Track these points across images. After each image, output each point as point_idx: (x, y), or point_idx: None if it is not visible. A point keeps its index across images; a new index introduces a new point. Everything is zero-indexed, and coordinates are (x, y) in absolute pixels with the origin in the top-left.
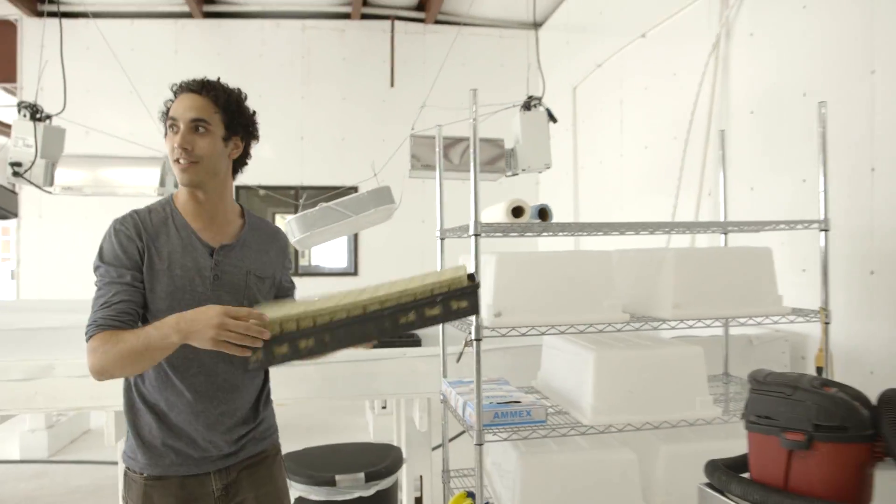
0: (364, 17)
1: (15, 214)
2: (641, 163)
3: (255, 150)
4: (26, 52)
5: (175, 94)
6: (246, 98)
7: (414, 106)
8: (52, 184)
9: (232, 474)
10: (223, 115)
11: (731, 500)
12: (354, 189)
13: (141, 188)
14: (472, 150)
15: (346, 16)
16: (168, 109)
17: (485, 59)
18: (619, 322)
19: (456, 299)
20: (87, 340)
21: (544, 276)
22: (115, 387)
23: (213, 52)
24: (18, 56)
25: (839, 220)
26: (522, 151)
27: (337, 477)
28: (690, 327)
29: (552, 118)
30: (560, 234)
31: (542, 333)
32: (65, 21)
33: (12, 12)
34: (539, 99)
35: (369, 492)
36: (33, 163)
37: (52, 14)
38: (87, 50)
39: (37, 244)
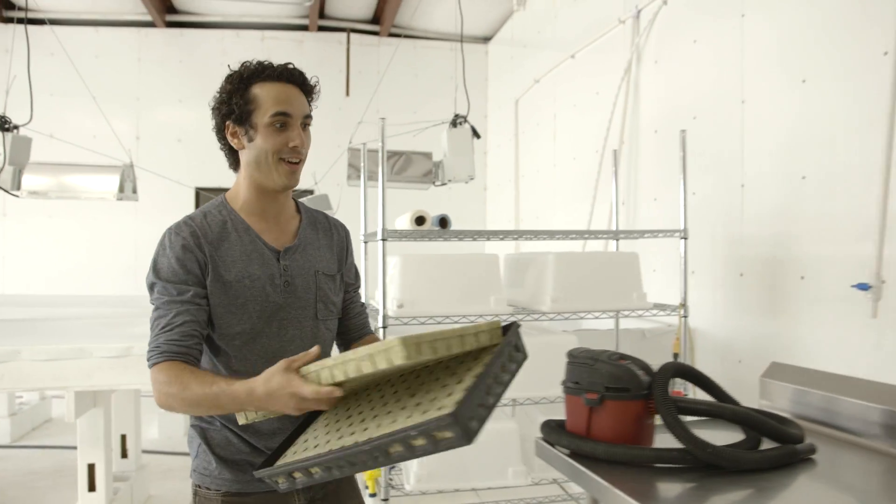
0: (321, 28)
1: None
2: (570, 173)
3: (218, 154)
4: None
5: (268, 78)
6: None
7: (368, 114)
8: (19, 188)
9: (316, 489)
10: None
11: (554, 448)
12: (310, 193)
13: (101, 193)
14: (380, 166)
15: (303, 27)
16: (245, 98)
17: (436, 71)
18: (504, 313)
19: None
20: (150, 367)
21: (441, 274)
22: (77, 370)
23: (175, 60)
24: None
25: (717, 229)
26: (448, 164)
27: None
28: (581, 318)
29: (476, 134)
30: (453, 238)
31: (438, 323)
32: (32, 27)
33: None
34: (464, 117)
35: None
36: (1, 170)
37: (20, 20)
38: (52, 56)
39: (22, 240)
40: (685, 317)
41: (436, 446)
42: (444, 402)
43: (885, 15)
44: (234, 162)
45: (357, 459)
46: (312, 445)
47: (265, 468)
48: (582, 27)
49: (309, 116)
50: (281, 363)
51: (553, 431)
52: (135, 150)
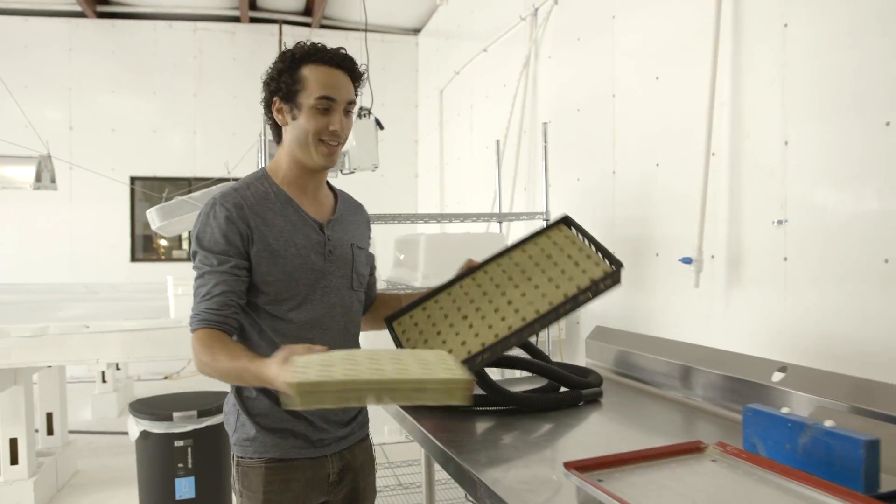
0: (253, 20)
1: None
2: (482, 161)
3: (151, 143)
4: None
5: (318, 61)
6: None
7: None
8: None
9: (346, 458)
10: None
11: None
12: (224, 181)
13: (19, 183)
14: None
15: (235, 19)
16: (293, 77)
17: (365, 61)
18: (379, 288)
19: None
20: (192, 331)
21: None
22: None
23: (107, 50)
24: None
25: (597, 212)
26: (354, 153)
27: (174, 414)
28: None
29: (380, 126)
30: None
31: None
32: None
33: None
34: (369, 110)
35: (201, 425)
36: None
37: None
38: None
39: None
40: None
41: (597, 293)
42: (595, 269)
43: (723, 25)
44: (278, 136)
45: (533, 329)
46: (460, 342)
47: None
48: (492, 22)
49: (352, 103)
50: (281, 353)
51: None
52: (68, 140)
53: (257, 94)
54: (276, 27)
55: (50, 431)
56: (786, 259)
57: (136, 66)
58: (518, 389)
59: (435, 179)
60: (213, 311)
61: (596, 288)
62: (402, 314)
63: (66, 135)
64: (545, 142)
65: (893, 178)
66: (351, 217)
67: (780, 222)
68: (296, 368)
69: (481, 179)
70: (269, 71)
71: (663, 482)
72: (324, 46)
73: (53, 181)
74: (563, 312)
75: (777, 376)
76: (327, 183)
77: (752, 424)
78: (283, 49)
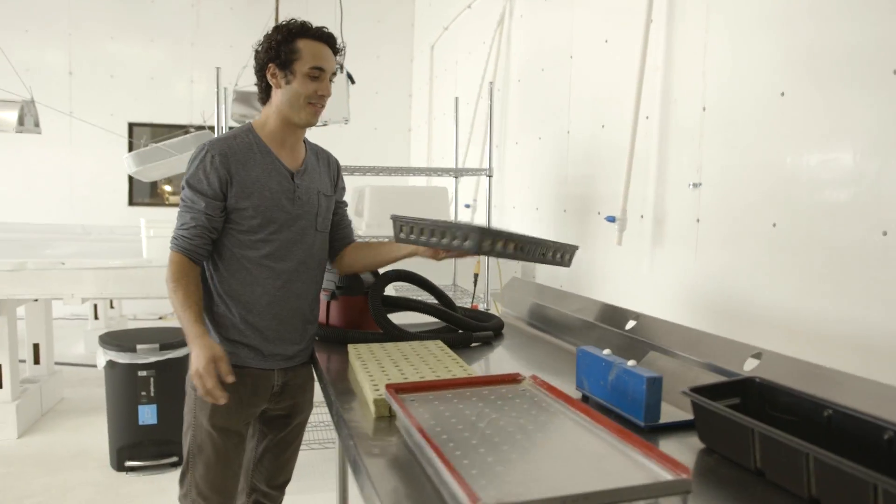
0: None
1: None
2: (463, 117)
3: (149, 90)
4: None
5: (311, 36)
6: None
7: None
8: None
9: (289, 374)
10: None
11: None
12: (202, 129)
13: (1, 126)
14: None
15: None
16: (292, 49)
17: (362, 14)
18: None
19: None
20: (171, 250)
21: None
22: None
23: None
24: None
25: (551, 170)
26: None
27: (138, 346)
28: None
29: (351, 80)
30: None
31: None
32: None
33: None
34: (341, 64)
35: (162, 357)
36: None
37: None
38: None
39: None
40: None
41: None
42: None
43: None
44: (266, 96)
45: (538, 250)
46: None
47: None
48: None
49: (335, 73)
50: (209, 351)
51: None
52: (68, 84)
53: (252, 44)
54: None
55: (37, 361)
56: (698, 221)
57: (133, 14)
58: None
59: (423, 133)
60: (186, 240)
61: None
62: (361, 341)
63: (66, 80)
64: (490, 101)
65: (783, 145)
66: (318, 168)
67: (695, 185)
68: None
69: (463, 135)
70: (265, 42)
71: (464, 406)
72: (311, 24)
73: (37, 125)
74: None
75: (630, 324)
76: (304, 139)
77: (581, 363)
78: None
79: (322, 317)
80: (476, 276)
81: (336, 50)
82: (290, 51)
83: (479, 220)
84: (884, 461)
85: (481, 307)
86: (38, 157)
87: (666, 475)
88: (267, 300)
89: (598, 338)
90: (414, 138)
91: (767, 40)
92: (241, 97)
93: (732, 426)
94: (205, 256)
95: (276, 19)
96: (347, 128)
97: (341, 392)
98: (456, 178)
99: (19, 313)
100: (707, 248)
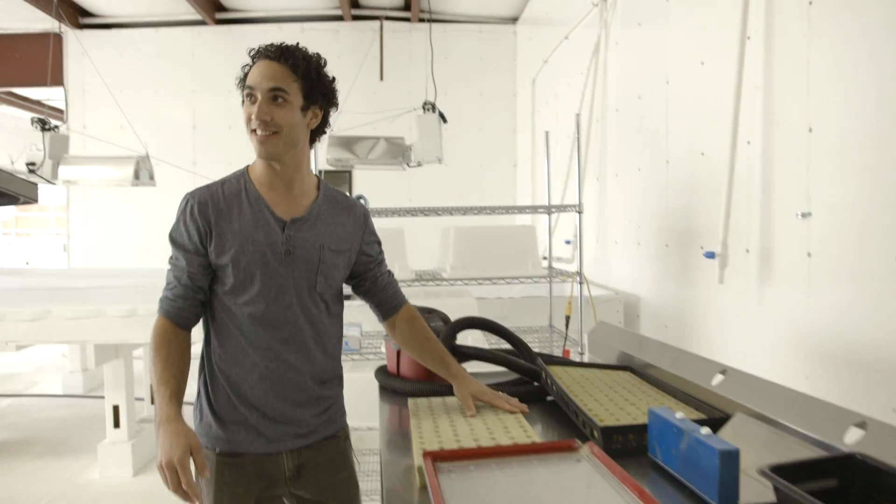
0: (355, 18)
1: (36, 200)
2: (563, 150)
3: None
4: (71, 58)
5: (252, 59)
6: (325, 64)
7: (402, 96)
8: (56, 178)
9: (304, 455)
10: (302, 84)
11: (384, 383)
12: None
13: (119, 181)
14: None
15: (339, 18)
16: (245, 76)
17: (465, 52)
18: (408, 280)
19: None
20: (157, 313)
21: None
22: (95, 327)
23: (224, 54)
24: (65, 62)
25: (650, 204)
26: (418, 147)
27: None
28: (495, 284)
29: (443, 119)
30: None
31: None
32: (102, 31)
33: (57, 26)
34: (433, 104)
35: None
36: (43, 162)
37: (89, 26)
38: (121, 55)
39: (83, 222)
40: (581, 283)
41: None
42: None
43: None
44: None
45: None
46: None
47: None
48: (572, 9)
49: (279, 89)
50: (184, 441)
51: (379, 372)
52: (191, 136)
53: (360, 88)
54: (377, 23)
55: (153, 401)
56: (809, 255)
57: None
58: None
59: (527, 167)
60: (171, 302)
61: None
62: (425, 394)
63: (191, 133)
64: (577, 134)
65: None
66: (332, 218)
67: (804, 215)
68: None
69: (564, 168)
70: (237, 82)
71: (506, 479)
72: (267, 45)
73: (152, 178)
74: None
75: (717, 379)
76: (320, 181)
77: (653, 427)
78: (381, 43)
79: (392, 367)
80: (568, 318)
81: (285, 61)
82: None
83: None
84: None
85: (574, 352)
86: (156, 206)
87: None
88: (258, 374)
89: (682, 394)
90: (519, 174)
91: (879, 49)
92: (337, 141)
93: None
94: (192, 321)
95: (382, 65)
96: (452, 166)
97: (401, 449)
98: (549, 214)
99: (137, 353)
100: (821, 286)
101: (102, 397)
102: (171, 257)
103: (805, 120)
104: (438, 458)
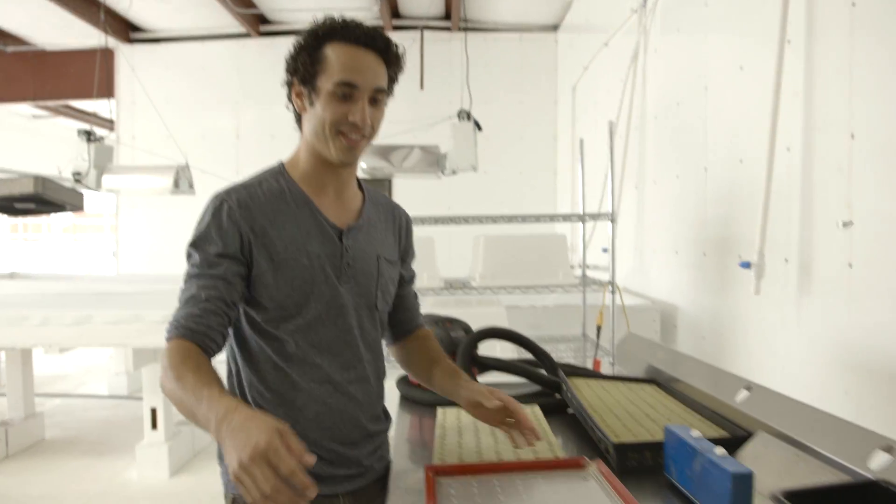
0: (396, 28)
1: (82, 208)
2: (602, 159)
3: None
4: (122, 72)
5: (341, 38)
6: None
7: (442, 105)
8: (100, 186)
9: (361, 499)
10: (390, 82)
11: (406, 393)
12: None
13: (160, 190)
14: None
15: (380, 28)
16: (320, 58)
17: (505, 60)
18: (436, 288)
19: None
20: (167, 340)
21: None
22: (133, 331)
23: (268, 65)
24: (116, 75)
25: (688, 212)
26: (452, 155)
27: None
28: (525, 293)
29: (478, 127)
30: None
31: None
32: (151, 45)
33: (111, 42)
34: (468, 112)
35: None
36: (88, 172)
37: (138, 41)
38: (168, 69)
39: (130, 230)
40: (613, 292)
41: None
42: None
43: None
44: (299, 123)
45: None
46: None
47: None
48: (611, 16)
49: (382, 90)
50: (272, 421)
51: (400, 382)
52: (234, 146)
53: (401, 97)
54: (417, 33)
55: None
56: (850, 266)
57: None
58: None
59: (568, 175)
60: (196, 319)
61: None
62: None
63: (234, 143)
64: (611, 142)
65: None
66: (380, 223)
67: (845, 224)
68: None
69: (601, 175)
70: (292, 48)
71: (505, 497)
72: (354, 22)
73: (191, 186)
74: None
75: (741, 395)
76: (358, 181)
77: (669, 445)
78: (422, 52)
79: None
80: (599, 327)
81: (389, 57)
82: (314, 60)
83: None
84: None
85: (605, 362)
86: (195, 213)
87: None
88: (315, 411)
89: (706, 409)
90: (559, 182)
91: None
92: (373, 150)
93: None
94: (218, 346)
95: (422, 74)
96: (491, 174)
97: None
98: (583, 223)
99: None
100: (862, 298)
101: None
102: (194, 268)
103: (847, 126)
104: (440, 472)
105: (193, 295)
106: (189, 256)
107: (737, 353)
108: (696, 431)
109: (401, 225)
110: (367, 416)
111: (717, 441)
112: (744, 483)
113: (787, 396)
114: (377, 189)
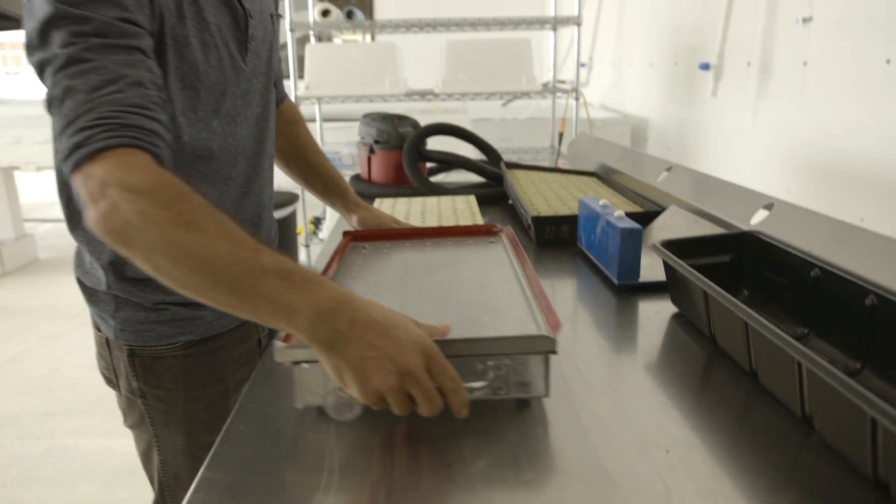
0: None
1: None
2: None
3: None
4: None
5: None
6: None
7: None
8: None
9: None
10: None
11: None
12: None
13: None
14: None
15: None
16: None
17: None
18: (398, 93)
19: None
20: (101, 147)
21: (349, 61)
22: None
23: None
24: None
25: (664, 21)
26: None
27: None
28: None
29: None
30: (358, 31)
31: (342, 101)
32: None
33: None
34: None
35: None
36: None
37: None
38: None
39: None
40: (577, 100)
41: None
42: None
43: None
44: None
45: None
46: None
47: None
48: None
49: None
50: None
51: (352, 179)
52: None
53: None
54: None
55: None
56: (805, 64)
57: None
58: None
59: None
60: (144, 112)
61: None
62: (391, 195)
63: None
64: None
65: None
66: None
67: (805, 21)
68: None
69: None
70: None
71: (412, 255)
72: None
73: None
74: None
75: (662, 176)
76: None
77: (581, 216)
78: None
79: (364, 173)
80: (561, 134)
81: None
82: None
83: (595, 80)
84: (862, 327)
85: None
86: None
87: (534, 330)
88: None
89: (632, 193)
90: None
91: None
92: None
93: (689, 286)
94: (167, 153)
95: None
96: None
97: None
98: (554, 29)
99: None
100: (812, 97)
101: None
102: (77, 41)
103: None
104: (357, 237)
105: (119, 75)
106: (49, 28)
107: (697, 159)
108: (604, 200)
109: None
110: (267, 215)
111: (632, 215)
112: (632, 237)
113: (700, 172)
114: None
